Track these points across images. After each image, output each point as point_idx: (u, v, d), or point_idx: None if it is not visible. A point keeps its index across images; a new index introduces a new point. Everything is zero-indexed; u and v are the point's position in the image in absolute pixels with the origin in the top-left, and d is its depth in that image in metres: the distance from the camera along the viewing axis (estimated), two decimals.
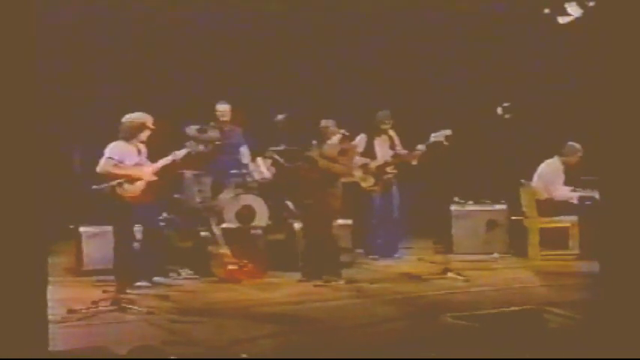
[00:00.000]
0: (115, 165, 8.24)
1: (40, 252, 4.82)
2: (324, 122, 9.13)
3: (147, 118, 8.43)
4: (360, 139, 10.22)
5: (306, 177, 9.02)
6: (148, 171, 8.40)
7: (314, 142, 9.08)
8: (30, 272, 4.71)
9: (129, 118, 8.41)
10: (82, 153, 10.65)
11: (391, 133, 10.38)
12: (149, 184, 8.36)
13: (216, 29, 11.42)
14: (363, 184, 10.22)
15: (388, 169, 10.26)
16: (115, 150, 8.32)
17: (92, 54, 11.08)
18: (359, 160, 10.09)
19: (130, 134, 8.38)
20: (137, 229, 8.59)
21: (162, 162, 8.54)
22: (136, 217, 8.39)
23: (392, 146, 10.34)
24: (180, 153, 8.58)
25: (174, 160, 8.59)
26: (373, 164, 10.23)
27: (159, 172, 8.49)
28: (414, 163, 10.17)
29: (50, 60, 5.08)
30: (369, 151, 10.26)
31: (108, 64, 11.22)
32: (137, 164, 8.40)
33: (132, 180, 8.24)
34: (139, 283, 8.33)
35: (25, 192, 4.76)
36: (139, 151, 8.46)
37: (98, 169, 8.24)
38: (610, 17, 5.31)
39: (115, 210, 8.12)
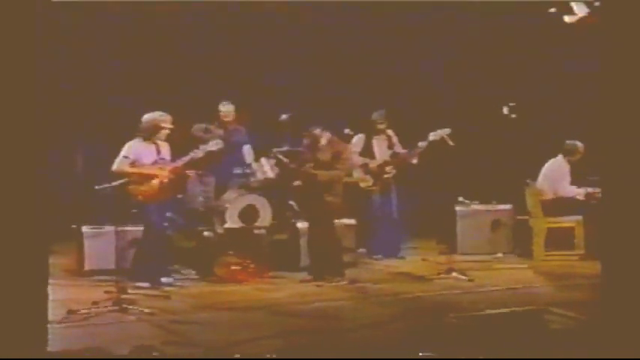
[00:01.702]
0: (131, 164, 8.31)
1: (40, 252, 4.82)
2: (310, 129, 9.07)
3: (163, 118, 8.51)
4: (358, 140, 10.23)
5: (306, 184, 9.02)
6: (164, 170, 8.44)
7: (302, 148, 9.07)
8: (30, 272, 4.71)
9: (147, 117, 8.49)
10: (84, 153, 10.68)
11: (389, 132, 10.36)
12: (164, 183, 8.39)
13: (220, 29, 11.43)
14: (362, 185, 10.22)
15: (387, 169, 10.25)
16: (131, 149, 8.43)
17: (95, 53, 11.09)
18: (359, 159, 10.10)
19: (148, 133, 8.48)
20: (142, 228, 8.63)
21: (181, 161, 8.57)
22: (150, 216, 8.42)
23: (390, 146, 10.33)
24: (200, 152, 8.61)
25: (192, 159, 8.61)
26: (372, 164, 10.23)
27: (177, 171, 8.53)
28: (415, 161, 10.14)
29: (52, 59, 5.07)
30: (367, 152, 10.26)
31: (111, 64, 11.22)
32: (155, 163, 8.44)
33: (146, 179, 8.29)
34: (139, 284, 8.33)
35: (26, 192, 4.77)
36: (158, 150, 8.52)
37: (113, 167, 8.33)
38: (614, 16, 5.30)
39: (129, 208, 8.16)
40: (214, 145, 8.73)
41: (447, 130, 9.57)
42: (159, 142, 8.57)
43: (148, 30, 11.21)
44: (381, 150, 10.33)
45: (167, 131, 8.54)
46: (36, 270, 4.74)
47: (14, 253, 4.65)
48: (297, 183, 9.29)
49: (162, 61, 11.46)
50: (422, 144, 9.95)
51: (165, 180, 8.45)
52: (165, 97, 10.35)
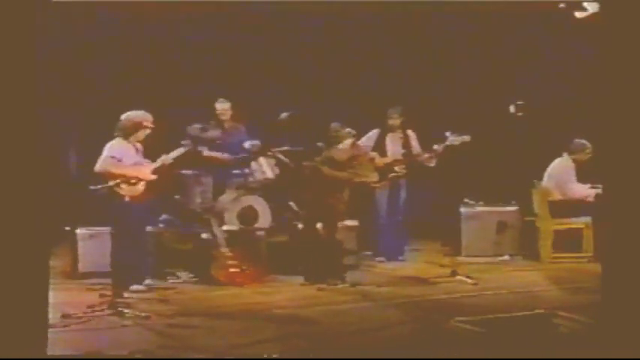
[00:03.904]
0: (115, 164, 8.31)
1: (38, 255, 4.83)
2: (334, 125, 9.11)
3: (146, 117, 8.52)
4: (372, 134, 10.23)
5: (310, 180, 9.03)
6: (147, 170, 8.46)
7: (319, 143, 9.08)
8: (29, 276, 4.73)
9: (128, 116, 8.50)
10: (79, 153, 10.68)
11: (409, 132, 10.35)
12: (149, 183, 8.41)
13: (219, 26, 11.42)
14: (367, 180, 10.17)
15: (396, 168, 10.25)
16: (114, 149, 8.42)
17: (89, 53, 11.09)
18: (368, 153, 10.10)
19: (129, 132, 8.47)
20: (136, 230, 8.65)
21: (160, 161, 8.59)
22: (137, 217, 8.45)
23: (405, 145, 10.31)
24: (176, 153, 8.64)
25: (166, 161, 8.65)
26: (381, 160, 10.23)
27: (158, 171, 8.55)
28: (432, 164, 10.14)
29: (47, 59, 5.10)
30: (380, 148, 10.26)
31: (105, 63, 11.23)
32: (136, 163, 8.46)
33: (131, 180, 8.30)
34: (135, 287, 8.35)
35: (20, 194, 4.79)
36: (137, 150, 8.54)
37: (97, 167, 8.32)
38: (623, 14, 5.32)
39: (115, 210, 8.16)
40: (188, 145, 8.78)
41: (467, 138, 9.61)
42: (135, 142, 8.56)
43: (144, 29, 11.20)
44: (393, 148, 10.31)
45: (148, 131, 8.54)
46: (35, 273, 4.76)
47: (11, 256, 4.69)
48: (302, 167, 9.25)
49: (158, 60, 11.46)
50: (437, 147, 9.98)
51: (149, 180, 8.46)
52: (164, 96, 10.38)
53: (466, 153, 9.62)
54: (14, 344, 4.64)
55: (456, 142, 9.76)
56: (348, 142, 9.09)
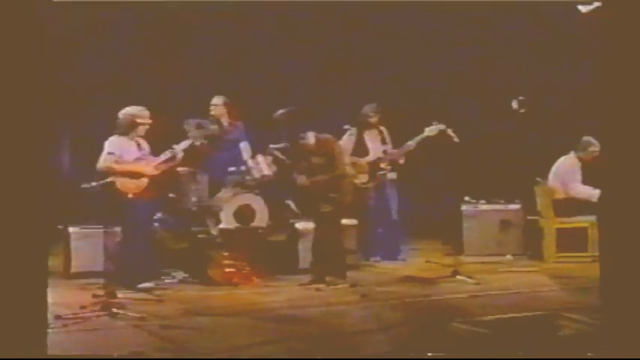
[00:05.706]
0: (116, 160, 8.37)
1: (36, 255, 4.84)
2: (294, 139, 9.09)
3: (141, 113, 8.59)
4: (348, 138, 10.23)
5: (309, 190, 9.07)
6: (149, 166, 8.51)
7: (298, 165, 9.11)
8: (27, 275, 4.74)
9: (124, 112, 8.56)
10: (72, 150, 10.70)
11: (382, 128, 10.38)
12: (151, 179, 8.46)
13: (215, 24, 11.46)
14: (356, 181, 10.17)
15: (382, 165, 10.27)
16: (114, 145, 8.52)
17: (88, 51, 11.10)
18: (349, 159, 10.09)
19: (127, 129, 8.56)
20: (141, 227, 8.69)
21: (164, 156, 8.66)
22: (141, 214, 8.50)
23: (383, 141, 10.36)
24: (182, 145, 8.73)
25: (174, 155, 8.70)
26: (365, 160, 10.25)
27: (161, 167, 8.64)
28: (402, 161, 10.19)
29: (46, 59, 5.11)
30: (360, 147, 10.26)
31: (104, 62, 11.24)
32: (137, 159, 8.52)
33: (133, 176, 8.35)
34: (143, 285, 8.41)
35: (14, 193, 4.80)
36: (139, 146, 8.65)
37: (98, 165, 8.40)
38: (628, 8, 5.32)
39: (116, 207, 8.19)
40: (194, 137, 8.81)
41: (442, 126, 9.62)
42: (137, 138, 8.64)
43: (141, 23, 11.22)
44: (374, 145, 10.35)
45: (146, 127, 8.62)
46: (33, 273, 4.77)
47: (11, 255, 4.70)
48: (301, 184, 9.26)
49: (157, 55, 11.48)
50: (410, 143, 10.03)
51: (151, 176, 8.52)
52: (158, 94, 10.39)
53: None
54: (14, 344, 4.66)
55: (432, 133, 9.76)
56: (311, 139, 9.07)
